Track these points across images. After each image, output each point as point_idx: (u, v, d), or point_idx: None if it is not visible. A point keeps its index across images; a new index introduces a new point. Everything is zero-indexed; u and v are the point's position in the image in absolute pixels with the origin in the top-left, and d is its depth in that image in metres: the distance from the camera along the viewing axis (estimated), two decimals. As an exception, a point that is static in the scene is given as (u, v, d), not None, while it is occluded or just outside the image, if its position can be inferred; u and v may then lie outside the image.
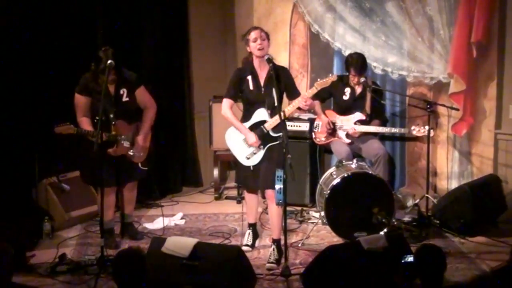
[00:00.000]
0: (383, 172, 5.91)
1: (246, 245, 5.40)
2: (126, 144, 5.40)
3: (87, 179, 5.71)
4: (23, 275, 4.87)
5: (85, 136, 5.22)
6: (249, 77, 5.13)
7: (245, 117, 5.21)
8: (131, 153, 5.43)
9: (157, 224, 6.04)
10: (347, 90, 6.16)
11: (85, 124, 5.28)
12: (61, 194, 5.99)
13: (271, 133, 5.09)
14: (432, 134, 5.98)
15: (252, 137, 5.08)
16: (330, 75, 5.14)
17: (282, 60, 6.59)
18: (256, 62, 5.13)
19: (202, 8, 7.42)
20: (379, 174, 5.75)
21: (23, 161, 5.83)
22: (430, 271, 3.46)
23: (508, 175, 6.20)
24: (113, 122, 5.31)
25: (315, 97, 5.78)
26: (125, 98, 5.39)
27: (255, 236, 5.51)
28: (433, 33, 6.41)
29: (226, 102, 5.18)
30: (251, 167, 5.14)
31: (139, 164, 5.53)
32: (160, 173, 6.72)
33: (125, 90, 5.39)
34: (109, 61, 5.01)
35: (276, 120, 5.01)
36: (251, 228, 5.50)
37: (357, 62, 6.02)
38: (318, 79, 5.11)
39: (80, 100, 5.30)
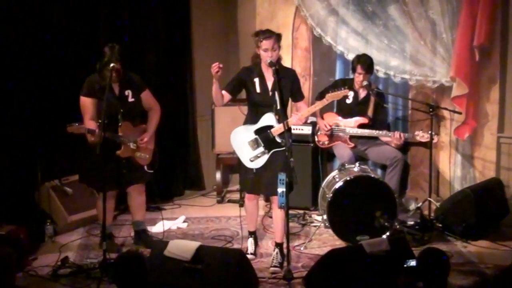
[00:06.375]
0: (398, 176, 5.97)
1: (251, 253, 5.31)
2: (132, 145, 5.37)
3: (88, 182, 5.60)
4: (26, 278, 4.87)
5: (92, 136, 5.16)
6: (256, 80, 5.10)
7: (251, 120, 5.15)
8: (138, 155, 5.40)
9: (160, 227, 6.04)
10: (351, 94, 6.15)
11: (92, 126, 5.18)
12: (64, 197, 5.99)
13: (277, 139, 5.05)
14: (436, 140, 5.97)
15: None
16: (342, 88, 5.10)
17: (284, 63, 6.57)
18: (264, 65, 5.10)
19: (205, 11, 7.41)
20: (394, 177, 5.88)
21: (26, 164, 5.83)
22: (433, 275, 3.45)
23: (510, 178, 6.19)
24: (120, 124, 5.29)
25: (319, 97, 5.83)
26: (130, 99, 5.39)
27: (256, 243, 5.46)
28: (436, 36, 6.40)
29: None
30: (254, 169, 5.09)
31: (145, 167, 5.51)
32: (163, 177, 6.71)
33: (130, 91, 5.38)
34: (111, 65, 5.04)
35: (282, 127, 4.95)
36: (252, 236, 5.43)
37: (365, 61, 6.02)
38: (330, 91, 5.15)
39: (86, 102, 5.26)
